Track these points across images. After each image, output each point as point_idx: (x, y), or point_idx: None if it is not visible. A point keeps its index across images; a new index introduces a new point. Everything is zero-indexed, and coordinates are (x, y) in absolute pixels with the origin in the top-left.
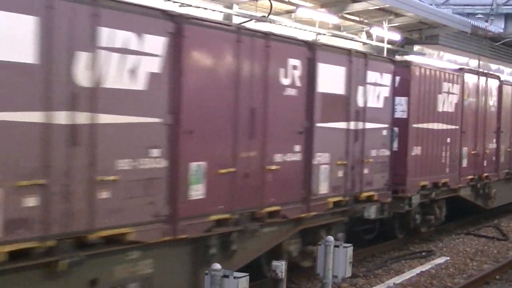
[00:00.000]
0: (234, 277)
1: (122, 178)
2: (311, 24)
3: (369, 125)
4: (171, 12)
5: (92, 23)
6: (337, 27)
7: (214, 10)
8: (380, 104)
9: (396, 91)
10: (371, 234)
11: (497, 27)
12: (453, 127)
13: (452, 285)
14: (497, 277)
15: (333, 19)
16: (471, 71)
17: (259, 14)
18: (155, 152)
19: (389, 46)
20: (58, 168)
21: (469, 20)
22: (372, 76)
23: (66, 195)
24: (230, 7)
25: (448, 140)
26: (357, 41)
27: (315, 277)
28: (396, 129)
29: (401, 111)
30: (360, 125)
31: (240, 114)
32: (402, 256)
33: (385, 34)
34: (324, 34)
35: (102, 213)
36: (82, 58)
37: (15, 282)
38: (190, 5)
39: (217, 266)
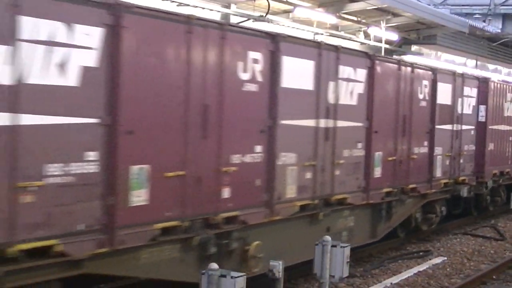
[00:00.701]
0: (231, 277)
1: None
2: (309, 24)
3: (464, 127)
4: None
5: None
6: (335, 27)
7: (211, 10)
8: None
9: (478, 100)
10: (457, 210)
11: (494, 27)
12: None
13: (449, 285)
14: (494, 277)
15: (331, 19)
16: None
17: (257, 14)
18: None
19: (387, 46)
20: None
21: (467, 20)
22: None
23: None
24: (228, 7)
25: (510, 138)
26: (355, 41)
27: (313, 276)
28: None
29: (481, 116)
30: (458, 126)
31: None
32: (399, 256)
33: (383, 34)
34: (322, 34)
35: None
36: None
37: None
38: (188, 5)
39: (214, 266)
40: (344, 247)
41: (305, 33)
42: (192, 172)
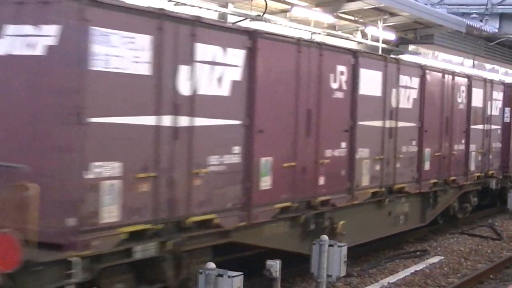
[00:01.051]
0: (229, 276)
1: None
2: (306, 23)
3: (493, 127)
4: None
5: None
6: (332, 26)
7: (209, 9)
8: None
9: (504, 103)
10: (485, 201)
11: (491, 27)
12: None
13: (446, 284)
14: (491, 276)
15: (328, 18)
16: None
17: (254, 13)
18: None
19: (384, 45)
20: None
21: (464, 20)
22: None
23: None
24: (225, 6)
25: None
26: (352, 40)
27: (310, 276)
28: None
29: (506, 117)
30: (488, 126)
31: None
32: (396, 255)
33: (380, 33)
34: (319, 34)
35: None
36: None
37: (368, 208)
38: (185, 4)
39: (212, 265)
40: (341, 246)
41: (303, 32)
42: (299, 163)
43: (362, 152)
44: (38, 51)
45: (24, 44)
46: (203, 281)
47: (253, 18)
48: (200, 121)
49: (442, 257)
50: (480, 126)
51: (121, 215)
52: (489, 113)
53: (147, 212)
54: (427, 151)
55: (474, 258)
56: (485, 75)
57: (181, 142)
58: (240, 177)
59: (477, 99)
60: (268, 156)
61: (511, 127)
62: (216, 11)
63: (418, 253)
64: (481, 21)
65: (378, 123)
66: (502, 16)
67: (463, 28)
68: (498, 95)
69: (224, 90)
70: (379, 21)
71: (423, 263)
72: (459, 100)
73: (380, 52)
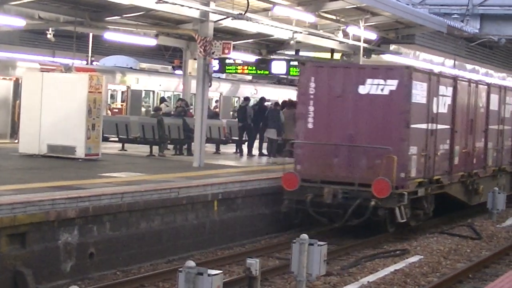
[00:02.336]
0: (209, 275)
1: None
2: (288, 22)
3: (506, 127)
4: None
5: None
6: (314, 26)
7: (191, 7)
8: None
9: None
10: None
11: (472, 27)
12: None
13: (426, 283)
14: (470, 276)
15: (310, 18)
16: None
17: (236, 12)
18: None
19: (366, 45)
20: None
21: (445, 20)
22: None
23: None
24: (207, 4)
25: None
26: (334, 39)
27: (290, 275)
28: None
29: None
30: (502, 127)
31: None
32: (376, 254)
33: (362, 33)
34: (301, 33)
35: None
36: None
37: None
38: (167, 2)
39: (191, 263)
40: (321, 245)
41: (284, 31)
42: (468, 150)
43: (489, 144)
44: (385, 92)
45: (378, 89)
46: (183, 279)
47: (235, 17)
48: (439, 126)
49: (422, 256)
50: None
51: (415, 173)
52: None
53: (422, 172)
54: (456, 148)
55: (453, 257)
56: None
57: (433, 137)
58: (447, 157)
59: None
60: (457, 145)
61: None
62: (198, 9)
63: (398, 252)
64: (462, 21)
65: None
66: (483, 17)
67: (444, 29)
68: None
69: (445, 110)
70: (360, 21)
71: (403, 262)
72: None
73: (361, 52)
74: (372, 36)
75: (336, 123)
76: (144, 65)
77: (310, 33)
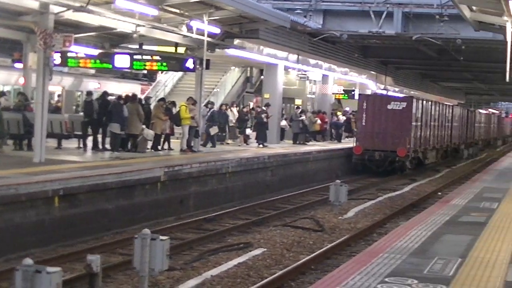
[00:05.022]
0: (47, 272)
1: None
2: (130, 15)
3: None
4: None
5: None
6: (158, 19)
7: None
8: None
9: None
10: None
11: (315, 23)
12: None
13: (269, 275)
14: (312, 267)
15: (153, 11)
16: None
17: (77, 4)
18: None
19: (210, 39)
20: None
21: (289, 16)
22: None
23: None
24: None
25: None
26: (178, 33)
27: (132, 270)
28: None
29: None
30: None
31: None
32: (220, 248)
33: (206, 27)
34: (144, 26)
35: None
36: None
37: None
38: None
39: (29, 261)
40: (163, 240)
41: (127, 25)
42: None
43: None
44: (400, 108)
45: (397, 106)
46: (20, 278)
47: (76, 9)
48: (423, 124)
49: (265, 249)
50: (449, 124)
51: (413, 146)
52: (450, 117)
53: (416, 146)
54: (430, 134)
55: (296, 249)
56: (309, 69)
57: (421, 129)
58: (427, 138)
59: (443, 112)
60: (431, 133)
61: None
62: (37, 0)
63: (241, 245)
64: (305, 17)
65: None
66: (326, 13)
67: (287, 24)
68: (447, 110)
69: (426, 116)
70: (204, 15)
71: (246, 255)
72: (438, 113)
73: (205, 46)
74: (216, 30)
75: (376, 122)
76: None
77: (153, 27)
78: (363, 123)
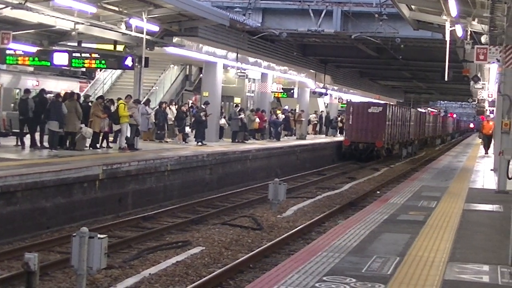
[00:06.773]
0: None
1: None
2: (69, 13)
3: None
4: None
5: None
6: (97, 17)
7: None
8: None
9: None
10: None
11: (255, 21)
12: None
13: (207, 274)
14: (251, 265)
15: (91, 9)
16: None
17: (15, 1)
18: None
19: (148, 37)
20: None
21: (228, 14)
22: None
23: None
24: None
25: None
26: (117, 31)
27: (70, 268)
28: None
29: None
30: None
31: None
32: (158, 246)
33: (145, 25)
34: (83, 24)
35: None
36: None
37: None
38: None
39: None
40: (101, 238)
41: (65, 22)
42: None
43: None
44: (378, 111)
45: (375, 110)
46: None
47: (14, 6)
48: (392, 123)
49: (204, 248)
50: (408, 123)
51: (387, 139)
52: (408, 118)
53: (389, 139)
54: (396, 130)
55: (235, 248)
56: (248, 67)
57: (391, 127)
58: (394, 134)
59: (405, 114)
60: (397, 129)
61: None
62: None
63: (180, 244)
64: (244, 15)
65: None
66: (265, 11)
67: (226, 22)
68: (407, 113)
69: (395, 117)
70: (143, 13)
71: (185, 253)
72: (401, 114)
73: (144, 44)
74: (155, 28)
75: (360, 122)
76: None
77: (92, 24)
78: (350, 123)
